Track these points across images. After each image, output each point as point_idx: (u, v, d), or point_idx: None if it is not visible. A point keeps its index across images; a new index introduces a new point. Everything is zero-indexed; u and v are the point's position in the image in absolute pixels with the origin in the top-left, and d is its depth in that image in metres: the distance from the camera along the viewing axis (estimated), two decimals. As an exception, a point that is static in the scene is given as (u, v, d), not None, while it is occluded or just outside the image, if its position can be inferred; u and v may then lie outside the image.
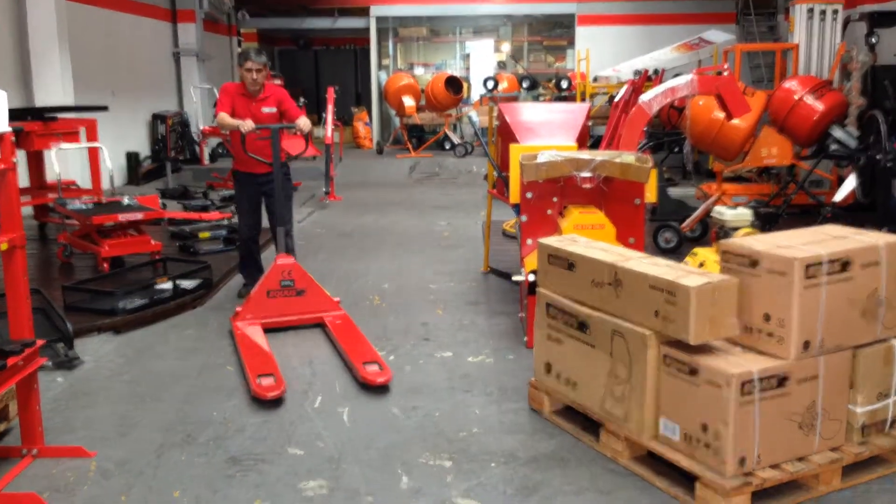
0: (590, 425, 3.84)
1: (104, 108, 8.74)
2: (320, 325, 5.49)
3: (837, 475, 3.33)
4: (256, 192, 6.07)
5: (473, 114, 7.22)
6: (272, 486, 3.43)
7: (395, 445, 3.80)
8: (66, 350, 4.85)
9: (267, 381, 4.37)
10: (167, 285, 5.96)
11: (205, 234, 7.84)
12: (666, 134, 9.46)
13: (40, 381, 3.82)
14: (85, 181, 8.81)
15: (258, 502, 3.31)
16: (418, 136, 16.78)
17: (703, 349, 3.30)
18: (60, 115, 7.93)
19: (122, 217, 6.71)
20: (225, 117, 5.78)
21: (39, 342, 3.64)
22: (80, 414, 4.17)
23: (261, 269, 6.25)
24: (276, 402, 4.27)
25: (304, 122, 5.81)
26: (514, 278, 5.36)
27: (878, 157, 6.24)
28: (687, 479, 3.30)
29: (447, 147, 16.05)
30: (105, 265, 6.60)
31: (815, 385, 3.27)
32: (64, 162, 8.76)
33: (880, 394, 3.46)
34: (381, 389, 4.48)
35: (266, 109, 5.96)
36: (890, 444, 3.45)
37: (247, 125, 5.57)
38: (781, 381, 3.19)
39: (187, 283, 6.16)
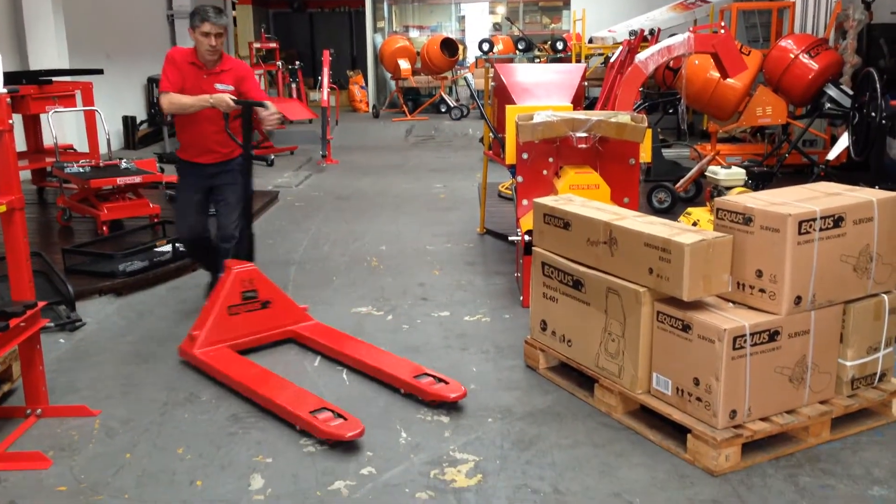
0: (584, 381, 3.92)
1: (99, 72, 8.68)
2: (292, 339, 4.63)
3: (827, 427, 3.40)
4: (200, 187, 4.93)
5: (469, 76, 7.23)
6: (273, 443, 3.50)
7: (394, 402, 3.87)
8: (67, 312, 4.90)
9: (327, 416, 3.53)
10: (167, 248, 5.99)
11: (202, 198, 7.83)
12: (661, 95, 9.45)
13: (43, 342, 3.87)
14: (82, 145, 8.79)
15: (260, 458, 3.38)
16: (414, 99, 16.69)
17: (696, 305, 3.36)
18: (55, 79, 7.88)
19: (121, 180, 6.72)
20: (176, 98, 4.61)
21: (41, 304, 3.68)
22: (84, 374, 4.23)
23: (217, 266, 4.99)
24: (279, 358, 4.33)
25: (274, 110, 4.58)
26: (511, 238, 5.40)
27: (872, 114, 6.25)
28: (679, 432, 3.37)
29: (443, 110, 15.97)
30: (104, 228, 6.62)
31: (805, 339, 3.34)
32: (60, 126, 8.74)
33: (870, 348, 3.52)
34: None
35: (220, 87, 4.73)
36: (879, 397, 3.53)
37: (221, 100, 4.53)
38: (773, 335, 3.25)
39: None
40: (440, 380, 3.88)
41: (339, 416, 3.50)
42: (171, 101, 4.62)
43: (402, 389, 3.92)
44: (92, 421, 3.73)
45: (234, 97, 4.60)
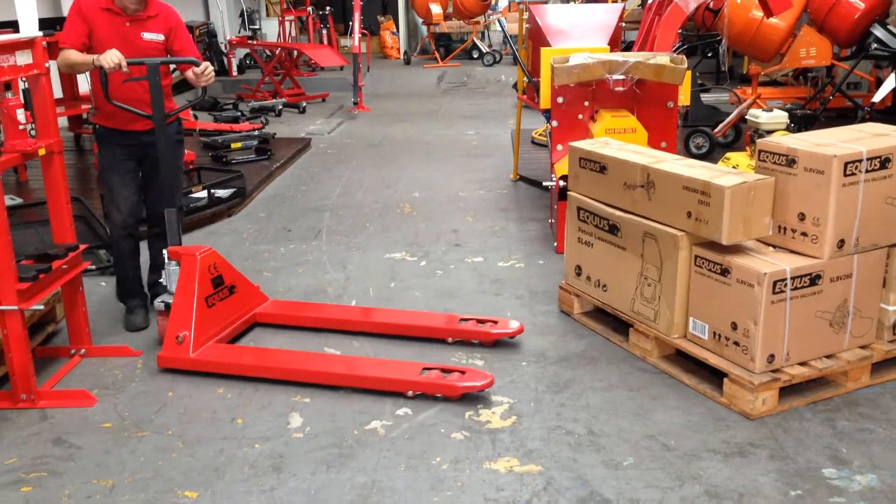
0: (619, 326, 3.90)
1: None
2: (257, 324, 4.19)
3: (866, 372, 3.36)
4: (132, 159, 4.11)
5: (503, 19, 7.08)
6: (310, 388, 3.55)
7: (426, 350, 3.88)
8: (108, 256, 4.97)
9: (437, 374, 3.41)
10: (202, 194, 6.04)
11: (237, 145, 7.87)
12: (700, 37, 9.20)
13: (85, 285, 3.95)
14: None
15: (298, 398, 3.44)
16: (446, 45, 16.48)
17: (735, 249, 3.31)
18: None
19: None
20: (70, 55, 3.83)
21: (82, 246, 3.74)
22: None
23: (142, 284, 4.32)
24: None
25: (208, 68, 3.93)
26: (545, 184, 5.35)
27: (921, 55, 6.04)
28: (715, 377, 3.36)
29: (475, 56, 15.77)
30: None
31: (847, 284, 3.28)
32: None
33: (913, 293, 3.45)
34: (409, 294, 4.57)
35: (148, 36, 3.96)
36: (920, 343, 3.47)
37: (108, 58, 3.67)
38: (814, 279, 3.20)
39: (222, 192, 6.24)
40: (482, 321, 3.91)
41: (445, 371, 3.42)
42: (61, 58, 3.88)
43: (450, 338, 3.90)
44: (134, 361, 3.81)
45: (131, 56, 3.80)
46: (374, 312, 4.22)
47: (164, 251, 3.97)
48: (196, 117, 8.86)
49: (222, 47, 13.66)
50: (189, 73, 3.95)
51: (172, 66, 4.26)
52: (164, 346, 3.70)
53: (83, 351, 3.83)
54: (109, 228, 4.21)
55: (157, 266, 4.37)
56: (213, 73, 3.98)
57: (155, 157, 4.02)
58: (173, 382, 3.60)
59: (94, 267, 4.78)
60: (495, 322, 3.90)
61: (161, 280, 4.15)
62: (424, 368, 3.46)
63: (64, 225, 3.73)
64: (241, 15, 14.15)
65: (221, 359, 3.67)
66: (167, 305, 3.84)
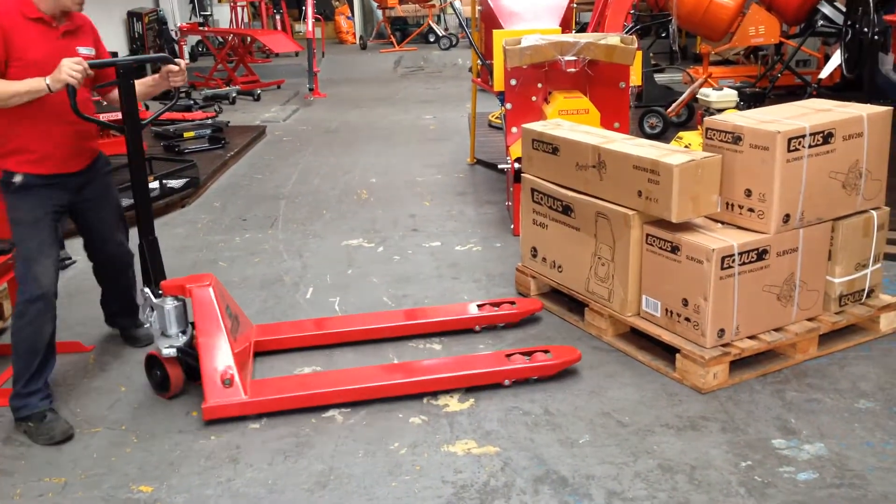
0: (575, 306, 3.94)
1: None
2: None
3: (814, 344, 3.44)
4: (60, 212, 3.29)
5: (457, 2, 7.04)
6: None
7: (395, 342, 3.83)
8: (64, 254, 4.87)
9: (520, 359, 3.37)
10: (154, 185, 5.94)
11: (189, 134, 7.76)
12: (653, 17, 9.26)
13: (33, 280, 3.86)
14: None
15: (255, 388, 3.41)
16: (402, 29, 16.38)
17: (685, 227, 3.35)
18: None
19: (102, 117, 6.59)
20: (16, 85, 2.95)
21: (28, 241, 3.64)
22: (76, 312, 4.23)
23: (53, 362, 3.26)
24: (273, 292, 4.34)
25: (182, 64, 3.36)
26: (500, 166, 5.36)
27: (864, 30, 6.14)
28: (668, 353, 3.41)
29: (432, 40, 15.71)
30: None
31: (794, 257, 3.34)
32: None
33: (858, 264, 3.53)
34: (366, 281, 4.56)
35: (83, 51, 3.21)
36: (866, 313, 3.56)
37: (69, 70, 2.91)
38: (761, 254, 3.25)
39: (174, 183, 6.15)
40: (495, 304, 3.91)
41: (525, 354, 3.39)
42: None
43: (478, 326, 3.84)
44: (86, 356, 3.75)
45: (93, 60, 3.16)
46: (387, 316, 3.93)
47: (144, 289, 3.37)
48: (147, 106, 8.67)
49: (173, 34, 13.40)
50: (162, 73, 3.35)
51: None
52: (209, 393, 3.13)
53: (33, 348, 3.75)
54: (22, 310, 3.09)
55: (131, 310, 3.79)
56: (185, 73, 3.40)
57: (91, 198, 3.38)
58: (126, 377, 3.55)
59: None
60: (512, 303, 3.90)
61: (144, 325, 3.56)
62: (507, 355, 3.38)
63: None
64: (192, 1, 13.90)
65: (281, 393, 3.20)
66: (181, 351, 3.29)
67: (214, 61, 11.99)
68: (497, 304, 3.92)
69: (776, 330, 3.38)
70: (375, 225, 5.55)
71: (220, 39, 12.63)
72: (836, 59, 6.66)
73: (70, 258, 4.88)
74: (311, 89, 11.00)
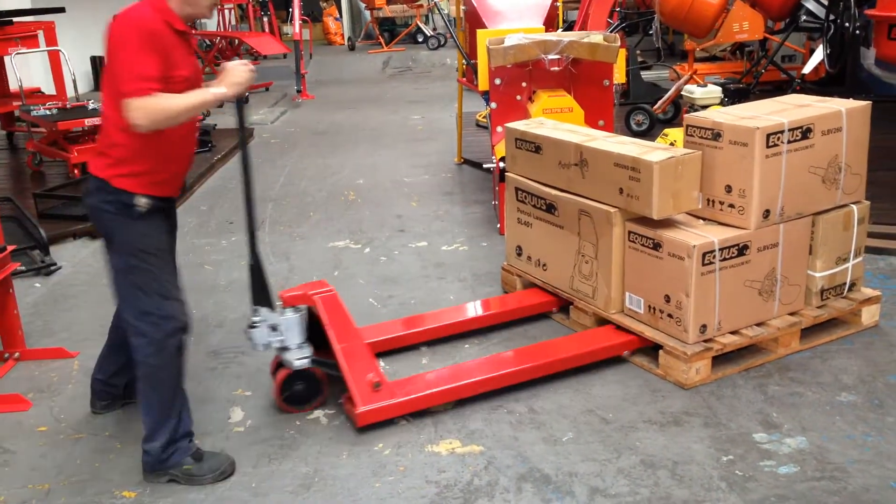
0: (560, 303, 3.94)
1: (61, 10, 8.43)
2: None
3: (796, 338, 3.46)
4: (171, 233, 3.04)
5: (440, 4, 7.04)
6: (252, 377, 3.53)
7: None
8: (41, 257, 4.87)
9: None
10: (139, 189, 5.92)
11: (175, 138, 7.73)
12: (640, 15, 9.28)
13: (18, 287, 3.88)
14: (50, 88, 8.59)
15: (240, 391, 3.41)
16: (390, 29, 16.38)
17: (667, 223, 3.36)
18: (16, 20, 7.65)
19: (88, 122, 6.59)
20: (170, 101, 2.59)
21: (10, 247, 3.65)
22: (61, 317, 4.23)
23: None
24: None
25: None
26: (486, 166, 5.37)
27: (846, 25, 6.17)
28: (652, 350, 3.42)
29: (420, 40, 15.71)
30: (76, 171, 6.53)
31: (774, 252, 3.36)
32: (27, 69, 8.54)
33: (839, 258, 3.55)
34: (353, 282, 4.56)
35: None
36: (848, 307, 3.58)
37: (240, 74, 2.76)
38: (742, 250, 3.27)
39: (160, 187, 6.13)
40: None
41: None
42: (154, 110, 2.56)
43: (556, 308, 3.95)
44: (70, 363, 3.74)
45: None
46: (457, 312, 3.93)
47: (259, 309, 3.14)
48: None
49: (161, 38, 13.35)
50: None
51: None
52: (360, 398, 3.06)
53: (17, 354, 3.74)
54: (162, 343, 2.79)
55: None
56: None
57: (174, 225, 3.07)
58: (111, 382, 3.54)
59: (23, 268, 4.66)
60: None
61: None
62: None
63: (-9, 227, 3.61)
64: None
65: (423, 390, 3.17)
66: (321, 363, 3.21)
67: (202, 64, 11.96)
68: None
69: (758, 325, 3.40)
70: (362, 226, 5.55)
71: (208, 42, 12.60)
72: (819, 54, 6.69)
73: (55, 264, 4.87)
74: (299, 91, 10.99)
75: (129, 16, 2.63)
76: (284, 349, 3.19)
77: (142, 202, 2.75)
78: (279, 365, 3.27)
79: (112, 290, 2.87)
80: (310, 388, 3.24)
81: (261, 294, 3.15)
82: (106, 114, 2.74)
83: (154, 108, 2.55)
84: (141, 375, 2.82)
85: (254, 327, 3.14)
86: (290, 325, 3.17)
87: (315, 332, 3.22)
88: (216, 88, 2.71)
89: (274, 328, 3.16)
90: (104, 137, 2.78)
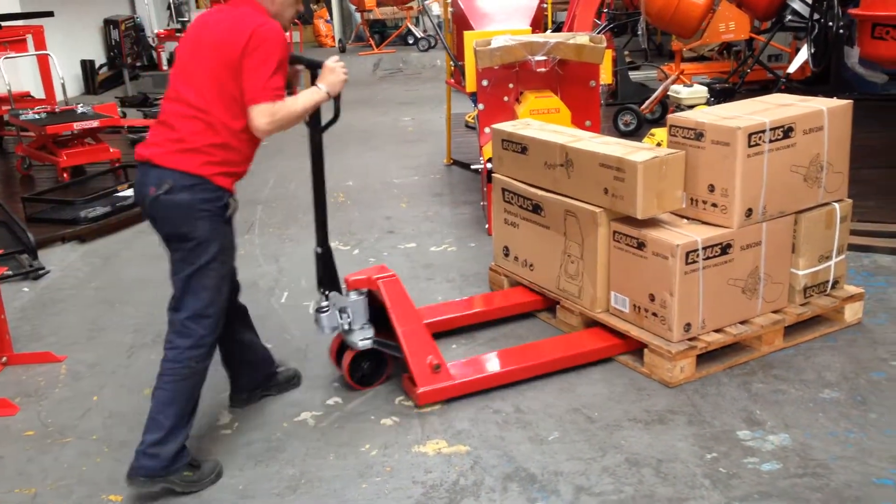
0: (547, 303, 3.96)
1: (49, 14, 8.43)
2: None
3: (780, 335, 3.48)
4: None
5: (434, 6, 7.06)
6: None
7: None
8: (30, 261, 4.86)
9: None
10: (129, 192, 5.93)
11: (165, 141, 7.72)
12: (628, 15, 9.32)
13: (6, 292, 3.88)
14: (39, 92, 8.59)
15: (228, 393, 3.41)
16: (380, 31, 16.38)
17: (651, 223, 3.38)
18: (4, 24, 7.65)
19: (77, 126, 6.59)
20: (294, 105, 2.85)
21: (-3, 252, 3.66)
22: (49, 321, 4.23)
23: None
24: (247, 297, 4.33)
25: None
26: (473, 167, 5.39)
27: (830, 24, 6.21)
28: (638, 348, 3.44)
29: (410, 42, 15.72)
30: (65, 175, 6.53)
31: (757, 251, 3.38)
32: (16, 73, 8.52)
33: (822, 256, 3.58)
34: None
35: None
36: (831, 304, 3.61)
37: (341, 74, 3.06)
38: (725, 248, 3.29)
39: (149, 190, 6.13)
40: None
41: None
42: (283, 115, 2.76)
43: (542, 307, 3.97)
44: (58, 367, 3.74)
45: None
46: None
47: (328, 293, 3.31)
48: (124, 114, 8.66)
49: (150, 41, 13.36)
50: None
51: None
52: (420, 380, 3.18)
53: (4, 359, 3.75)
54: (207, 350, 2.84)
55: (268, 352, 3.42)
56: None
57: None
58: (99, 386, 3.55)
59: (11, 272, 4.66)
60: None
61: (279, 369, 3.43)
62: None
63: (-23, 231, 3.62)
64: (169, 7, 13.85)
65: (480, 372, 3.31)
66: (385, 344, 3.31)
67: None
68: None
69: (742, 323, 3.42)
70: (351, 227, 5.56)
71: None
72: (804, 53, 6.73)
73: (43, 268, 4.87)
74: (289, 93, 10.97)
75: (270, 26, 2.74)
76: (350, 331, 3.33)
77: (233, 202, 2.85)
78: (341, 346, 3.40)
79: (177, 289, 2.82)
80: (376, 367, 3.39)
81: (331, 279, 3.32)
82: (205, 112, 2.72)
83: (281, 112, 2.73)
84: (170, 377, 2.76)
85: (322, 311, 3.28)
86: (357, 308, 3.32)
87: (373, 314, 3.36)
88: (320, 87, 2.94)
89: (342, 311, 3.30)
90: (197, 136, 2.73)
